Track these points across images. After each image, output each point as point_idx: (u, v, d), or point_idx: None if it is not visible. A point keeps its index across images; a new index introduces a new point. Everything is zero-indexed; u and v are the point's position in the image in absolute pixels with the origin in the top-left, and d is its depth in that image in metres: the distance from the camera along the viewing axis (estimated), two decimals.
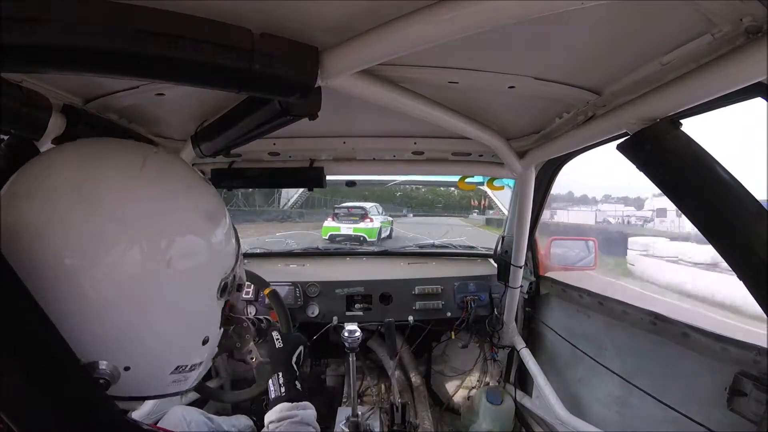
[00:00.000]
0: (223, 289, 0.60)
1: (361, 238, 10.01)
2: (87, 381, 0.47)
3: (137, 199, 0.52)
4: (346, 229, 10.36)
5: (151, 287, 0.51)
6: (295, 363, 1.00)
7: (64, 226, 0.48)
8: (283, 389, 0.92)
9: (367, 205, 11.13)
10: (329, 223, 10.76)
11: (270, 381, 0.94)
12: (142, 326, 0.52)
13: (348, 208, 11.08)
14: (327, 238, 10.20)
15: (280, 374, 0.94)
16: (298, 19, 0.66)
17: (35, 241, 0.47)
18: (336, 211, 11.19)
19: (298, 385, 0.95)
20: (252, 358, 1.04)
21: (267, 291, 1.36)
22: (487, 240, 2.96)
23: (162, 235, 0.52)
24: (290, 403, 0.90)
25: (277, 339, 1.00)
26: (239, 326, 1.09)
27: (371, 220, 10.74)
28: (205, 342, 0.60)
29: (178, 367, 0.57)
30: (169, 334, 0.55)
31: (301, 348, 1.02)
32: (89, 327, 0.49)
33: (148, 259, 0.51)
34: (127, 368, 0.51)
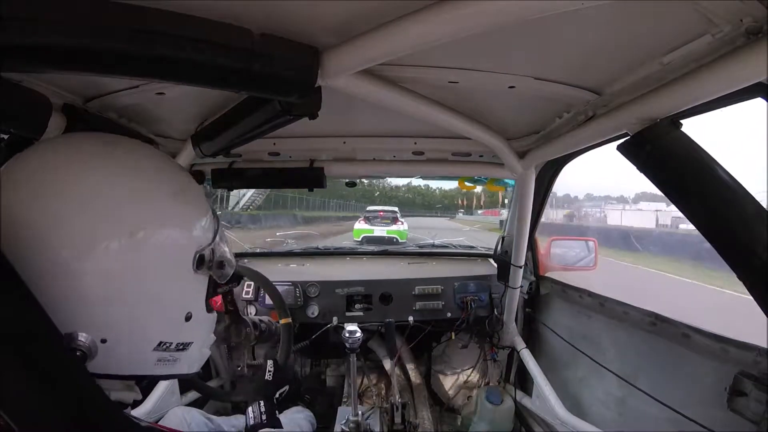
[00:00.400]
0: (200, 262, 0.59)
1: (394, 240, 10.72)
2: (87, 380, 0.47)
3: (98, 181, 0.53)
4: (379, 231, 11.16)
5: (121, 258, 0.51)
6: (277, 399, 1.04)
7: (28, 225, 0.49)
8: (264, 417, 0.95)
9: (396, 208, 12.09)
10: (361, 225, 11.63)
11: (250, 407, 0.96)
12: (114, 297, 0.51)
13: (379, 211, 11.99)
14: (359, 239, 10.81)
15: (262, 403, 0.97)
16: (298, 19, 0.66)
17: (24, 236, 0.48)
18: (367, 214, 12.12)
19: (278, 414, 0.99)
20: (249, 359, 1.06)
21: (284, 321, 1.35)
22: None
23: (124, 217, 0.53)
24: (273, 430, 0.92)
25: (270, 371, 1.02)
26: (239, 325, 1.10)
27: (402, 223, 11.70)
28: (188, 318, 0.59)
29: (161, 343, 0.56)
30: (145, 305, 0.54)
31: (286, 388, 1.06)
32: (63, 297, 0.49)
33: (115, 235, 0.51)
34: (103, 340, 0.51)
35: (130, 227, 0.52)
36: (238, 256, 2.38)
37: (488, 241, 2.50)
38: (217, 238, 0.64)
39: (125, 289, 0.52)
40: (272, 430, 0.92)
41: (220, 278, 0.65)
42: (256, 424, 0.92)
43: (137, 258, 0.53)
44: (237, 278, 1.01)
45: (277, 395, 1.02)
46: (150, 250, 0.54)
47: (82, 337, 0.49)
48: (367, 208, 12.79)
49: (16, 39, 0.51)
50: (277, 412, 0.99)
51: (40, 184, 0.51)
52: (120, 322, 0.52)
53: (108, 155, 0.56)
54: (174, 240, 0.57)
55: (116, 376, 0.55)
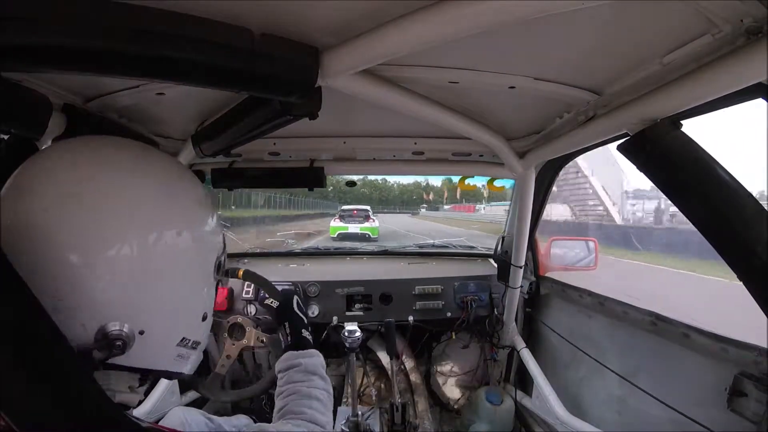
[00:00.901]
0: (218, 268, 0.66)
1: (367, 236, 11.76)
2: (88, 381, 0.47)
3: (138, 195, 0.55)
4: (353, 228, 12.07)
5: (167, 259, 0.56)
6: (298, 310, 1.02)
7: (69, 227, 0.50)
8: (289, 338, 0.94)
9: (368, 207, 13.11)
10: (336, 223, 12.37)
11: (280, 333, 0.97)
12: (158, 292, 0.55)
13: (353, 210, 12.76)
14: (336, 236, 11.71)
15: (287, 324, 0.97)
16: (298, 19, 0.66)
17: (36, 240, 0.48)
18: (342, 213, 12.91)
19: (306, 333, 0.96)
20: (261, 340, 1.05)
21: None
22: None
23: (172, 223, 0.57)
24: (295, 351, 0.91)
25: (272, 301, 1.05)
26: (238, 323, 1.10)
27: (373, 221, 12.66)
28: (204, 318, 0.65)
29: (183, 338, 0.60)
30: (178, 304, 0.59)
31: (295, 297, 1.05)
32: (109, 289, 0.51)
33: (162, 238, 0.55)
34: (142, 332, 0.54)
35: (176, 227, 0.57)
36: (238, 256, 2.38)
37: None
38: (225, 249, 0.69)
39: (166, 284, 0.56)
40: (302, 351, 0.91)
41: (225, 282, 0.70)
42: (285, 348, 0.94)
43: (180, 255, 0.57)
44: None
45: (295, 307, 1.01)
46: (190, 250, 0.59)
47: (117, 326, 0.51)
48: (342, 208, 13.51)
49: (16, 39, 0.51)
50: (305, 328, 0.98)
51: (87, 190, 0.52)
52: (160, 313, 0.56)
53: (142, 160, 0.59)
54: (208, 243, 0.63)
55: (141, 369, 0.58)
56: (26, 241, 0.48)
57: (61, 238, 0.49)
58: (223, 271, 0.68)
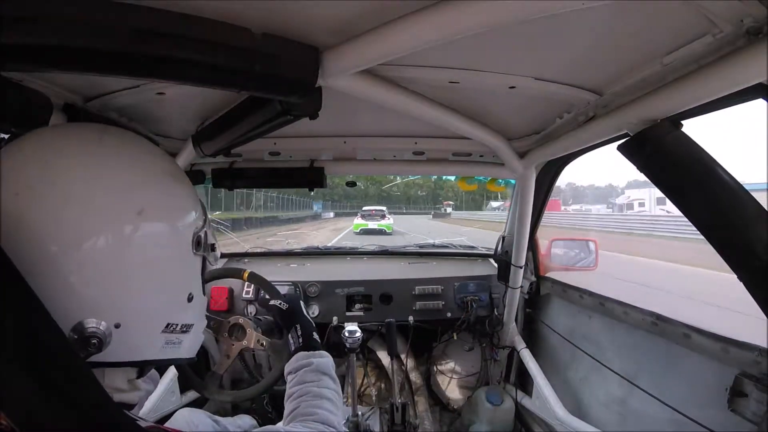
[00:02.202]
0: (197, 243, 0.61)
1: (383, 230, 14.80)
2: (90, 381, 0.47)
3: (100, 173, 0.53)
4: (372, 224, 15.13)
5: (128, 240, 0.52)
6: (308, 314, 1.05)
7: (39, 213, 0.49)
8: (300, 340, 0.95)
9: (384, 207, 16.49)
10: (359, 221, 15.47)
11: (290, 335, 0.98)
12: (126, 281, 0.52)
13: (371, 210, 16.05)
14: (358, 231, 14.73)
15: (299, 326, 0.97)
16: (299, 19, 0.66)
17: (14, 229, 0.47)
18: (363, 213, 16.14)
19: (316, 336, 0.98)
20: (261, 343, 1.05)
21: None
22: None
23: (132, 198, 0.54)
24: (306, 352, 0.92)
25: (280, 303, 1.04)
26: (238, 324, 1.10)
27: (389, 218, 15.87)
28: (190, 299, 0.61)
29: (168, 324, 0.58)
30: (154, 285, 0.55)
31: (302, 302, 1.07)
32: (76, 285, 0.49)
33: (123, 223, 0.52)
34: (117, 325, 0.52)
35: (136, 207, 0.53)
36: (238, 256, 2.38)
37: None
38: (207, 221, 0.66)
39: (134, 271, 0.53)
40: (313, 352, 0.92)
41: (213, 260, 0.67)
42: (295, 349, 0.94)
43: (143, 238, 0.53)
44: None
45: (304, 311, 1.03)
46: (155, 230, 0.55)
47: (93, 323, 0.50)
48: (363, 208, 16.55)
49: (16, 39, 0.51)
50: (315, 332, 0.99)
51: (39, 173, 0.50)
52: (132, 304, 0.53)
53: (101, 142, 0.56)
54: (176, 220, 0.59)
55: (129, 363, 0.56)
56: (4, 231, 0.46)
57: (23, 228, 0.47)
58: (206, 246, 0.63)
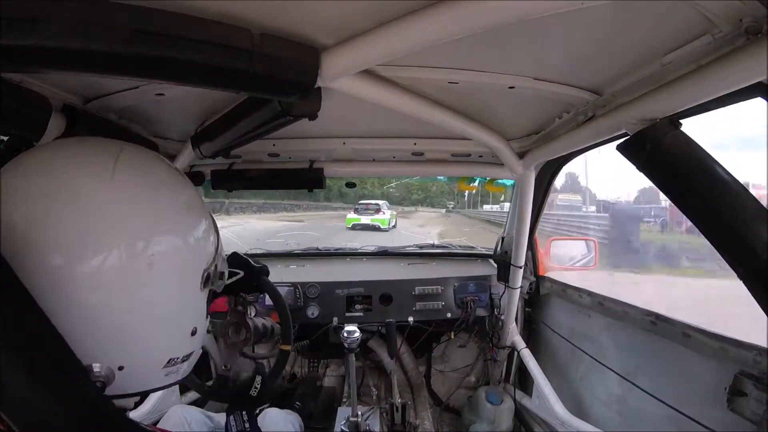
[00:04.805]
0: (206, 280, 0.60)
1: (377, 226, 13.41)
2: (87, 381, 0.47)
3: (113, 201, 0.51)
4: (365, 219, 13.74)
5: (137, 286, 0.51)
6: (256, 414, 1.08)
7: (45, 230, 0.47)
8: (247, 425, 0.99)
9: (380, 202, 14.82)
10: (351, 215, 14.08)
11: (231, 416, 1.00)
12: (131, 325, 0.51)
13: (366, 204, 14.46)
14: (350, 227, 13.52)
15: (245, 413, 1.01)
16: (298, 20, 0.66)
17: (21, 244, 0.46)
18: (357, 207, 14.58)
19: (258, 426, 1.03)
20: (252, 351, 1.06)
21: (284, 347, 1.32)
22: None
23: (142, 235, 0.52)
24: None
25: (256, 387, 1.03)
26: (240, 326, 1.10)
27: (383, 213, 14.36)
28: (193, 333, 0.60)
29: (170, 360, 0.57)
30: (159, 329, 0.54)
31: (266, 406, 1.11)
32: (79, 330, 0.48)
33: (131, 260, 0.50)
34: (121, 368, 0.51)
35: (147, 260, 0.51)
36: None
37: None
38: (219, 249, 0.64)
39: (140, 316, 0.52)
40: None
41: (220, 288, 0.65)
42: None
43: (152, 288, 0.52)
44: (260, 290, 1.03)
45: (257, 411, 1.06)
46: (164, 279, 0.53)
47: (98, 368, 0.49)
48: (359, 202, 15.14)
49: (16, 39, 0.51)
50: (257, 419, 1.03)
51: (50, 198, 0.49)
52: (137, 348, 0.53)
53: (113, 163, 0.53)
54: (187, 265, 0.57)
55: (131, 394, 0.56)
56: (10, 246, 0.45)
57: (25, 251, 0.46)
58: (215, 277, 0.62)
